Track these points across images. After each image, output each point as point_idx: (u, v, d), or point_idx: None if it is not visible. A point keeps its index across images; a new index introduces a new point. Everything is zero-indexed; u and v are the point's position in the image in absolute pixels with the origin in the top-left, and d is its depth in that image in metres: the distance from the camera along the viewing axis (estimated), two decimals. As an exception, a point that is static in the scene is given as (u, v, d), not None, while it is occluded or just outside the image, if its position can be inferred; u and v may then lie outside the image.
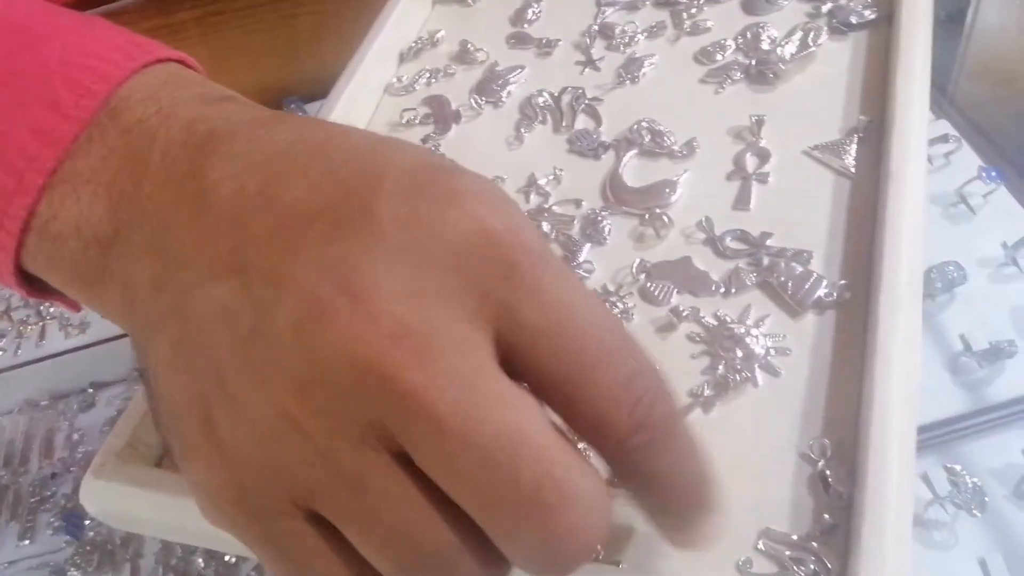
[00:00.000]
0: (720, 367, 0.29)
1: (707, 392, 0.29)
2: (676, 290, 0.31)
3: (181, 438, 0.21)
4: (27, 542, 0.49)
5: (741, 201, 0.33)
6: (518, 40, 0.42)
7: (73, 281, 0.24)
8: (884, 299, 0.28)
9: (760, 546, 0.25)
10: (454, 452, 0.18)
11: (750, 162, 0.35)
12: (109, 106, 0.23)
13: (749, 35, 0.38)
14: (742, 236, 0.32)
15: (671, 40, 0.40)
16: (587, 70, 0.40)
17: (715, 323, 0.30)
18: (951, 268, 0.47)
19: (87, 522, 0.50)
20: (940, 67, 0.59)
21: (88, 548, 0.48)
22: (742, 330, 0.30)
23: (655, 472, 0.21)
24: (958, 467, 0.41)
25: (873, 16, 0.38)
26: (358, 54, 0.40)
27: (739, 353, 0.29)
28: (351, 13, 0.48)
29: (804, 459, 0.27)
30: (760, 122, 0.35)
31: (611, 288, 0.32)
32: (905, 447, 0.26)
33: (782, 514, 0.26)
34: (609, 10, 0.42)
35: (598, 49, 0.41)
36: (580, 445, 0.21)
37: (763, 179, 0.34)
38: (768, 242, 0.32)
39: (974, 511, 0.40)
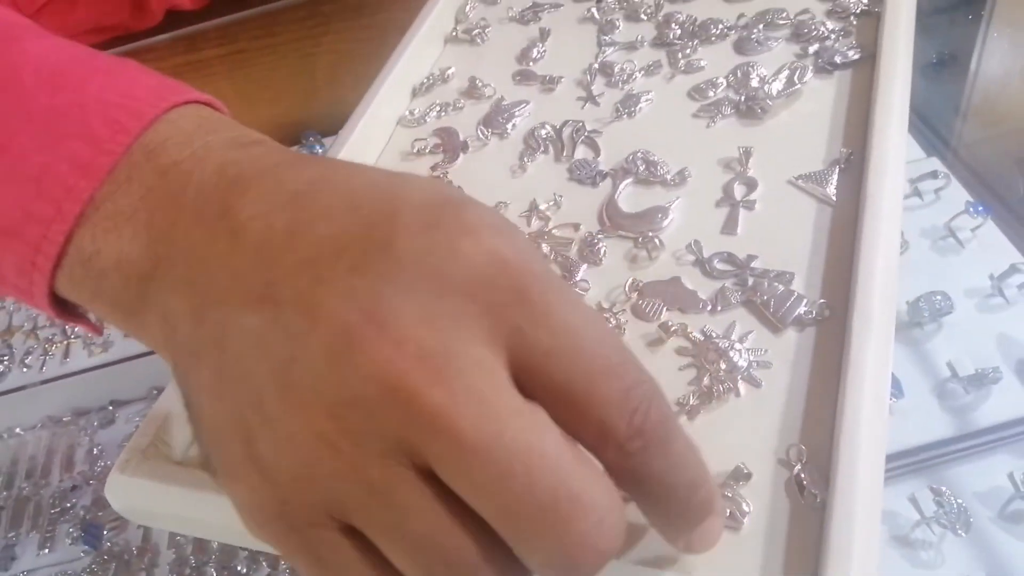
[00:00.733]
0: (705, 378, 0.31)
1: (692, 401, 0.31)
2: (666, 307, 0.33)
3: (224, 459, 0.23)
4: (47, 551, 0.51)
5: (729, 226, 0.36)
6: (523, 77, 0.45)
7: (115, 312, 0.25)
8: (859, 317, 0.30)
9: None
10: (473, 465, 0.20)
11: (738, 190, 0.37)
12: (146, 146, 0.25)
13: (740, 74, 0.41)
14: (729, 258, 0.34)
15: (667, 78, 0.43)
16: (587, 105, 0.42)
17: (702, 338, 0.32)
18: (939, 298, 0.49)
19: (105, 532, 0.51)
20: (931, 108, 0.61)
21: (105, 558, 0.50)
22: (726, 344, 0.32)
23: (653, 476, 0.22)
24: (944, 489, 0.43)
25: (857, 57, 0.40)
26: (373, 88, 0.43)
27: (723, 366, 0.31)
28: (367, 51, 0.51)
29: (782, 464, 0.29)
30: (748, 153, 0.38)
31: (605, 305, 0.34)
32: (874, 454, 0.27)
33: (760, 515, 0.28)
34: (609, 50, 0.45)
35: (598, 86, 0.43)
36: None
37: (750, 206, 0.36)
38: (753, 264, 0.34)
39: (959, 531, 0.42)
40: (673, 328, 0.33)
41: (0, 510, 0.54)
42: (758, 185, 0.37)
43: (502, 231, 0.22)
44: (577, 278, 0.35)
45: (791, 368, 0.31)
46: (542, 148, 0.41)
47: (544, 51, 0.46)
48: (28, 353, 0.59)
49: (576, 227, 0.37)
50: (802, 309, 0.32)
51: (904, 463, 0.45)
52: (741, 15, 0.44)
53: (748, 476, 0.28)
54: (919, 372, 0.48)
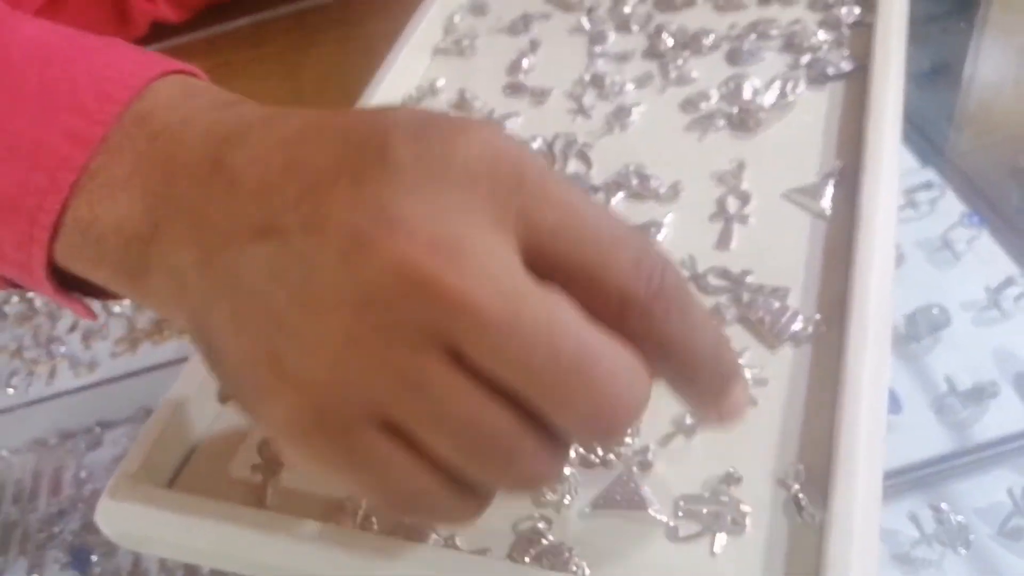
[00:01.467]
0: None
1: (688, 420, 0.30)
2: (660, 324, 0.33)
3: (253, 389, 0.23)
4: (34, 576, 0.50)
5: (723, 241, 0.35)
6: (513, 89, 0.44)
7: (117, 277, 0.25)
8: (855, 333, 0.30)
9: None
10: (498, 341, 0.21)
11: (731, 204, 0.36)
12: (136, 115, 0.25)
13: (732, 85, 0.41)
14: (723, 273, 0.34)
15: (659, 90, 0.42)
16: (578, 117, 0.42)
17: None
18: (935, 311, 0.49)
19: (93, 558, 0.50)
20: (926, 118, 0.61)
21: (93, 583, 0.49)
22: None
23: (678, 340, 0.23)
24: (944, 505, 0.42)
25: (849, 68, 0.40)
26: (362, 101, 0.42)
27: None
28: (354, 63, 0.51)
29: (780, 484, 0.28)
30: (741, 166, 0.37)
31: (598, 323, 0.33)
32: (872, 472, 0.27)
33: (758, 535, 0.27)
34: (600, 61, 0.44)
35: (589, 97, 0.43)
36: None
37: (744, 220, 0.36)
38: (747, 279, 0.33)
39: (959, 548, 0.41)
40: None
41: (-14, 535, 0.53)
42: (751, 199, 0.36)
43: (490, 126, 0.23)
44: (569, 295, 0.35)
45: (788, 385, 0.30)
46: (533, 162, 0.40)
47: (534, 62, 0.45)
48: (13, 374, 0.58)
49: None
50: (798, 325, 0.31)
51: (903, 479, 0.44)
52: (733, 25, 0.44)
53: (739, 480, 0.28)
54: (917, 387, 0.47)
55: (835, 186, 0.36)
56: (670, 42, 0.44)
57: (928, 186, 0.54)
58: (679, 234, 0.36)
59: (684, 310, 0.23)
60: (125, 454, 0.55)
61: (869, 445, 0.27)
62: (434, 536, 0.28)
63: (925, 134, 0.60)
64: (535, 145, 0.41)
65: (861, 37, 0.41)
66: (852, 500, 0.26)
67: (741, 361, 0.30)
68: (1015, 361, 0.47)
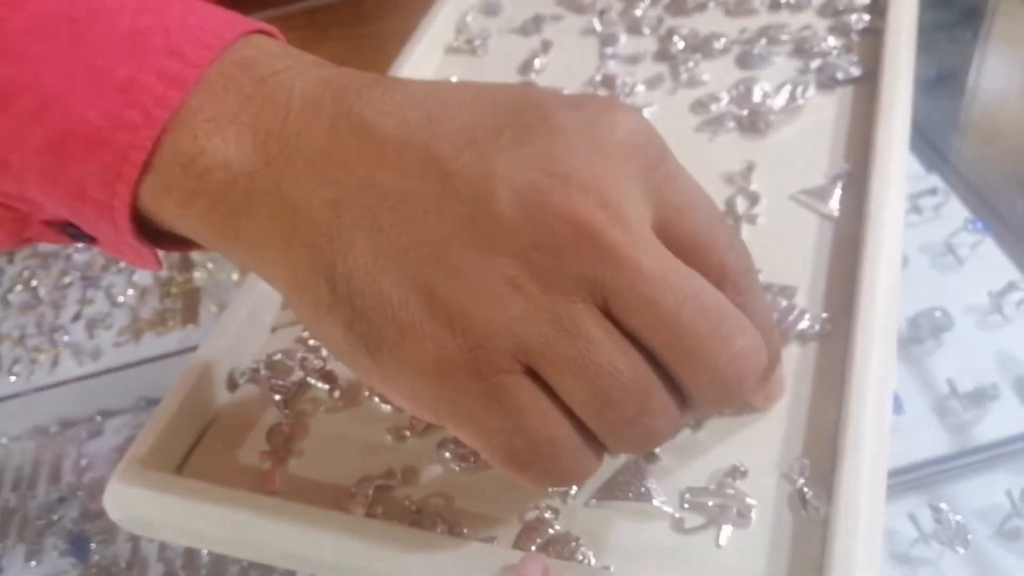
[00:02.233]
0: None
1: (695, 415, 0.30)
2: (668, 321, 0.33)
3: (395, 328, 0.23)
4: (34, 564, 0.50)
5: (731, 240, 0.35)
6: (524, 88, 0.45)
7: (212, 212, 0.25)
8: (862, 333, 0.30)
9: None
10: (653, 293, 0.22)
11: (740, 204, 0.37)
12: (236, 61, 0.25)
13: (742, 88, 0.41)
14: (731, 272, 0.34)
15: (669, 91, 0.42)
16: (589, 117, 0.42)
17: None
18: (938, 314, 0.49)
19: (92, 546, 0.51)
20: (932, 124, 0.61)
21: (93, 571, 0.49)
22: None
23: (753, 313, 0.25)
24: (943, 505, 0.42)
25: (858, 73, 0.40)
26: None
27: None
28: (366, 61, 0.51)
29: (785, 478, 0.28)
30: (750, 168, 0.38)
31: (607, 318, 0.34)
32: (876, 468, 0.27)
33: (763, 529, 0.27)
34: (611, 63, 0.45)
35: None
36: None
37: (752, 220, 0.36)
38: (756, 278, 0.34)
39: (958, 548, 0.41)
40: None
41: (-14, 521, 0.53)
42: (760, 199, 0.37)
43: (637, 110, 0.26)
44: (578, 290, 0.35)
45: (794, 382, 0.31)
46: (543, 160, 0.41)
47: (546, 63, 0.46)
48: (16, 362, 0.58)
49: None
50: (804, 324, 0.32)
51: (903, 479, 0.45)
52: (743, 30, 0.44)
53: (745, 474, 0.29)
54: (918, 388, 0.47)
55: (843, 188, 0.36)
56: (681, 45, 0.44)
57: (933, 192, 0.55)
58: (688, 232, 0.36)
59: (755, 287, 0.26)
60: (126, 443, 0.56)
61: (874, 441, 0.27)
62: (440, 525, 0.29)
63: (930, 141, 0.60)
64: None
65: (870, 43, 0.42)
66: (857, 495, 0.26)
67: None
68: (1016, 364, 0.47)
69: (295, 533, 0.28)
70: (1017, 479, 0.44)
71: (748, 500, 0.28)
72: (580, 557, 0.27)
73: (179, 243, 0.27)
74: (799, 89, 0.40)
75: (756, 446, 0.29)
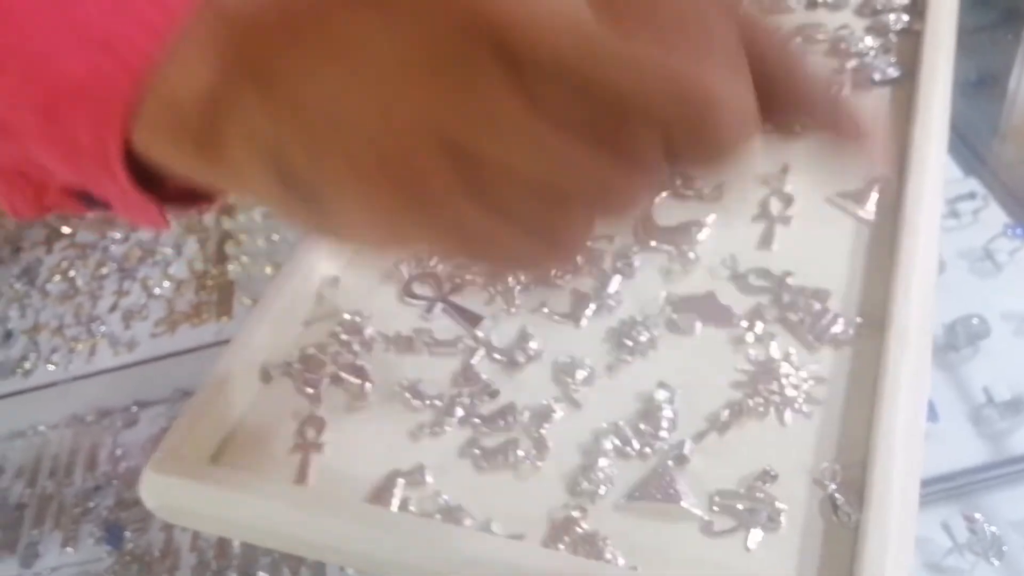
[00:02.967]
0: (741, 395, 0.31)
1: (723, 417, 0.30)
2: (700, 322, 0.33)
3: (329, 147, 0.23)
4: (70, 550, 0.51)
5: (764, 242, 0.35)
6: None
7: (197, 150, 0.25)
8: (896, 338, 0.30)
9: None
10: (561, 46, 0.21)
11: (774, 205, 0.36)
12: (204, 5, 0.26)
13: (777, 88, 0.40)
14: (764, 274, 0.34)
15: (703, 91, 0.42)
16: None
17: (743, 355, 0.32)
18: (975, 321, 0.48)
19: (127, 534, 0.52)
20: (971, 128, 0.60)
21: (127, 559, 0.50)
22: (766, 360, 0.31)
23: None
24: (978, 515, 0.42)
25: (896, 74, 0.40)
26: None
27: (767, 385, 0.31)
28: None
29: (816, 483, 0.28)
30: (785, 169, 0.37)
31: (639, 318, 0.34)
32: (909, 475, 0.27)
33: (793, 533, 0.27)
34: (645, 62, 0.44)
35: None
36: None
37: (786, 222, 0.36)
38: (788, 280, 0.33)
39: (992, 559, 0.41)
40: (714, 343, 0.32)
41: (24, 507, 0.54)
42: (795, 201, 0.36)
43: None
44: (610, 290, 0.35)
45: (827, 386, 0.30)
46: (576, 159, 0.41)
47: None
48: (54, 351, 0.59)
49: (610, 239, 0.37)
50: (838, 328, 0.32)
51: (937, 488, 0.44)
52: (779, 29, 0.44)
53: (775, 478, 0.28)
54: (954, 396, 0.47)
55: (879, 192, 0.36)
56: (716, 44, 0.44)
57: (971, 196, 0.54)
58: (721, 233, 0.36)
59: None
60: (161, 433, 0.57)
61: (907, 449, 0.27)
62: (469, 520, 0.29)
63: (969, 144, 0.59)
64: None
65: (908, 44, 0.41)
66: (888, 502, 0.26)
67: (785, 381, 0.31)
68: (1054, 375, 0.47)
69: (327, 525, 0.28)
70: (1054, 489, 0.43)
71: (778, 504, 0.28)
72: (608, 557, 0.27)
73: (190, 200, 0.29)
74: (835, 90, 0.39)
75: (787, 451, 0.29)
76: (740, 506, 0.28)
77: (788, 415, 0.30)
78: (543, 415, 0.31)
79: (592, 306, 0.35)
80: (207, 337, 0.57)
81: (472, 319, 0.35)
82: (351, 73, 0.23)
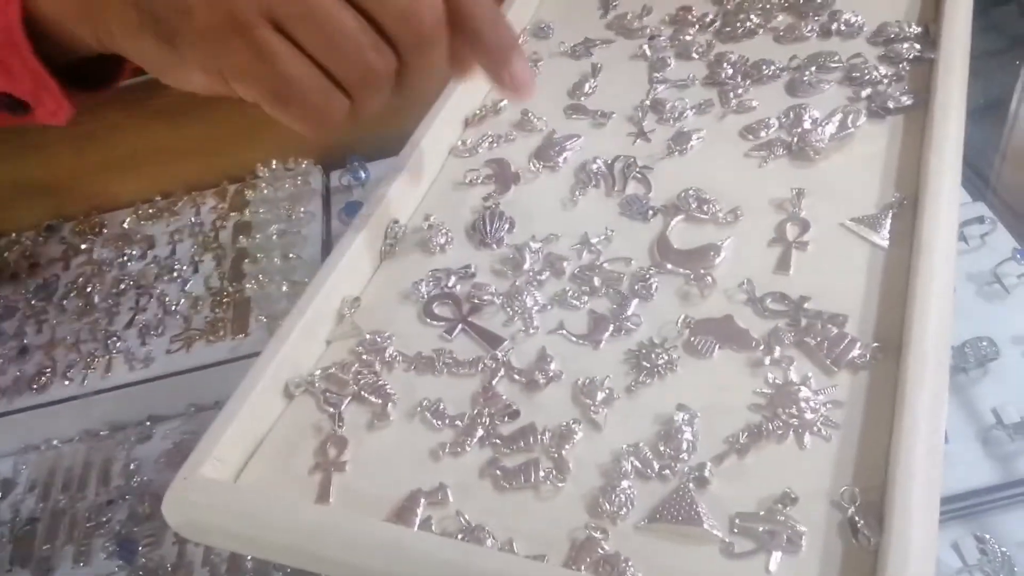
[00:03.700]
0: (760, 418, 0.31)
1: (742, 439, 0.30)
2: (719, 345, 0.34)
3: (181, 14, 0.32)
4: (82, 565, 0.51)
5: (781, 266, 0.36)
6: (574, 110, 0.45)
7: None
8: (913, 361, 0.30)
9: (791, 585, 0.27)
10: None
11: (790, 231, 0.37)
12: None
13: (792, 115, 0.41)
14: (781, 298, 0.34)
15: (718, 117, 0.43)
16: (638, 141, 0.43)
17: (761, 378, 0.32)
18: (984, 344, 0.49)
19: (140, 548, 0.52)
20: (978, 151, 0.61)
21: (140, 573, 0.50)
22: (785, 384, 0.32)
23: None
24: (988, 536, 0.42)
25: (910, 102, 0.40)
26: (427, 118, 0.44)
27: (785, 409, 0.31)
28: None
29: (835, 506, 0.28)
30: (801, 194, 0.38)
31: (657, 340, 0.34)
32: (928, 498, 0.27)
33: (812, 557, 0.27)
34: (660, 87, 0.45)
35: (649, 122, 0.44)
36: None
37: (802, 247, 0.36)
38: (806, 305, 0.34)
39: (1004, 581, 0.41)
40: (730, 369, 0.33)
41: (37, 521, 0.54)
42: (811, 226, 0.37)
43: None
44: (629, 312, 0.35)
45: (846, 411, 0.31)
46: (593, 182, 0.41)
47: (596, 86, 0.46)
48: (70, 367, 0.60)
49: (627, 262, 0.38)
50: (856, 352, 0.32)
51: (948, 509, 0.44)
52: (793, 57, 0.45)
53: (795, 501, 0.29)
54: (964, 418, 0.47)
55: (894, 218, 0.36)
56: (730, 70, 0.45)
57: (980, 220, 0.55)
58: (738, 258, 0.37)
59: None
60: (174, 448, 0.57)
61: (926, 471, 0.28)
62: (490, 540, 0.29)
63: (977, 169, 0.60)
64: (594, 166, 0.42)
65: (921, 72, 0.42)
66: (908, 525, 0.26)
67: (805, 405, 0.31)
68: (1064, 398, 0.47)
69: (349, 545, 0.29)
70: (1064, 513, 0.44)
71: (798, 527, 0.28)
72: (630, 577, 0.28)
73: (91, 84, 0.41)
74: (850, 117, 0.40)
75: (806, 473, 0.29)
76: (761, 528, 0.28)
77: (807, 438, 0.30)
78: (564, 436, 0.32)
79: (611, 327, 0.35)
80: (223, 354, 0.58)
81: (492, 340, 0.36)
82: None
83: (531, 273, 0.38)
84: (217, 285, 0.61)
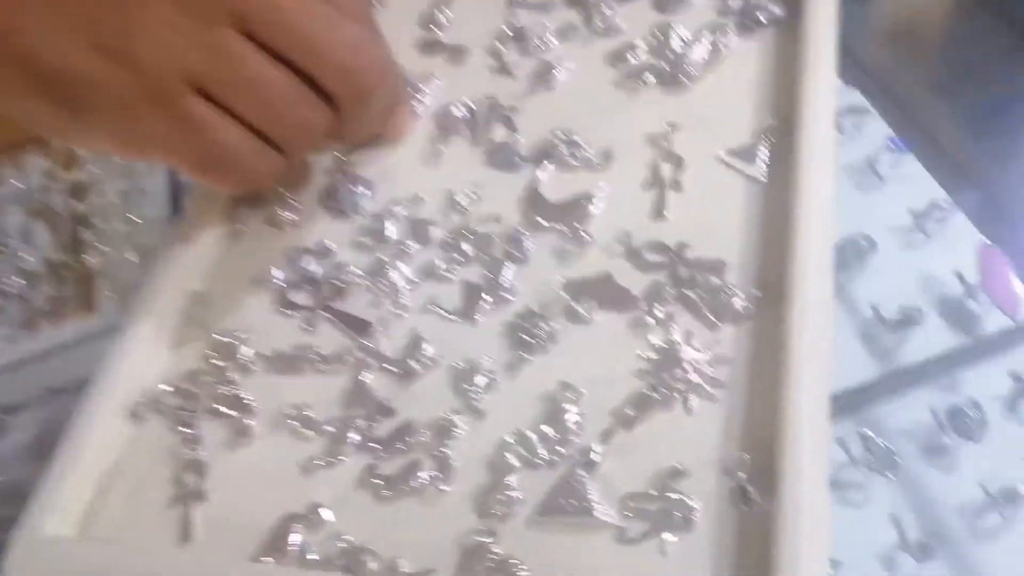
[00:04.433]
0: (645, 385, 0.29)
1: (630, 411, 0.29)
2: (601, 308, 0.32)
3: (85, 82, 0.29)
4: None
5: (657, 211, 0.34)
6: (428, 47, 0.41)
7: None
8: (797, 312, 0.29)
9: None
10: (280, 15, 0.29)
11: (665, 170, 0.35)
12: None
13: (660, 35, 0.38)
14: (660, 248, 0.32)
15: (584, 42, 0.39)
16: (501, 77, 0.39)
17: (644, 341, 0.30)
18: (861, 240, 0.49)
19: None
20: (850, 33, 0.60)
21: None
22: (669, 345, 0.30)
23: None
24: (870, 433, 0.43)
25: (781, 13, 0.38)
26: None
27: (671, 373, 0.30)
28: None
29: (727, 473, 0.27)
30: (674, 127, 0.35)
31: (537, 309, 0.32)
32: (818, 455, 0.26)
33: (707, 531, 0.27)
34: (520, 11, 0.41)
35: (511, 54, 0.40)
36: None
37: (678, 187, 0.34)
38: (685, 253, 0.32)
39: (887, 474, 0.42)
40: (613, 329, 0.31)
41: None
42: (685, 163, 0.34)
43: None
44: (503, 280, 0.33)
45: (731, 368, 0.30)
46: (456, 130, 0.38)
47: (449, 16, 0.42)
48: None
49: (498, 220, 0.35)
50: (738, 303, 0.31)
51: (832, 406, 0.45)
52: None
53: (685, 474, 0.28)
54: (844, 314, 0.48)
55: (771, 147, 0.34)
56: (592, -14, 0.41)
57: (853, 110, 0.54)
58: (613, 205, 0.34)
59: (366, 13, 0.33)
60: (35, 440, 0.52)
61: (814, 431, 0.27)
62: (375, 562, 0.27)
63: (851, 52, 0.58)
64: (456, 112, 0.38)
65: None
66: (799, 487, 0.26)
67: (689, 366, 0.30)
68: (939, 284, 0.48)
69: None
70: (942, 396, 0.45)
71: (690, 503, 0.27)
72: (524, 582, 0.26)
73: None
74: (718, 34, 0.37)
75: (696, 440, 0.28)
76: (652, 508, 0.27)
77: (694, 402, 0.29)
78: (444, 431, 0.30)
79: (487, 298, 0.33)
80: (72, 334, 0.53)
81: (358, 326, 0.33)
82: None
83: (395, 244, 0.35)
84: (56, 258, 0.55)
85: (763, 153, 0.34)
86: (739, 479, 0.27)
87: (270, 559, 0.27)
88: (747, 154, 0.34)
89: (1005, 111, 0.56)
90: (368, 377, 0.31)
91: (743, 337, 0.30)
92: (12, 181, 0.60)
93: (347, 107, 0.31)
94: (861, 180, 0.53)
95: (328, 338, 0.33)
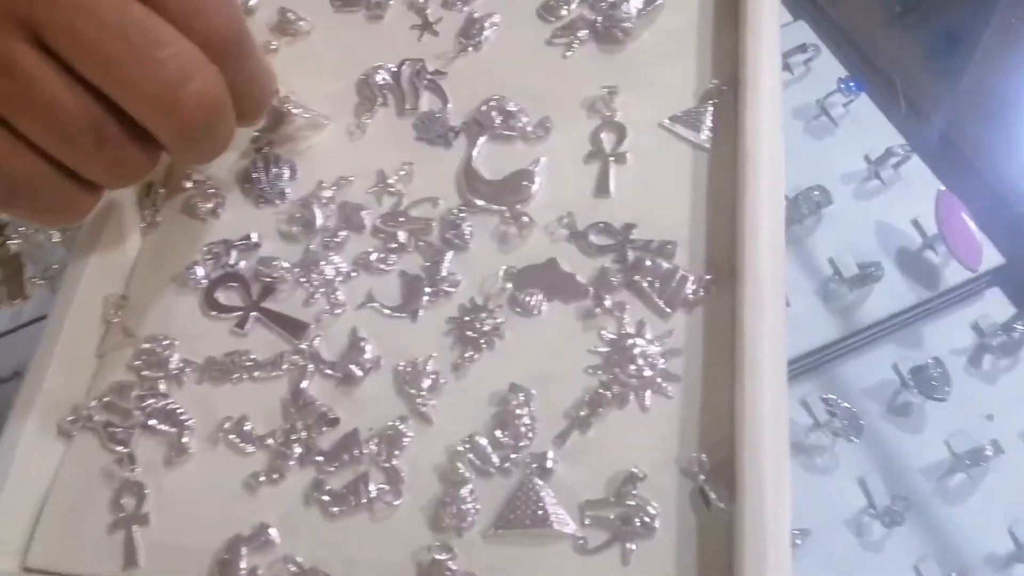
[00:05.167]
0: (597, 381, 0.28)
1: (583, 412, 0.28)
2: (546, 299, 0.30)
3: None
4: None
5: (601, 187, 0.32)
6: (343, 2, 0.38)
7: None
8: (749, 295, 0.28)
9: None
10: (70, 20, 0.23)
11: (607, 140, 0.33)
12: None
13: (594, -15, 0.35)
14: (606, 229, 0.31)
15: (510, -8, 0.36)
16: (424, 35, 0.36)
17: (594, 332, 0.29)
18: (816, 193, 0.48)
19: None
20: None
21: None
22: (619, 337, 0.29)
23: None
24: (833, 397, 0.43)
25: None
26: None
27: (623, 368, 0.28)
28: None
29: (685, 474, 0.27)
30: (614, 92, 0.33)
31: (479, 301, 0.30)
32: (778, 447, 0.26)
33: (668, 536, 0.26)
34: (441, -41, 0.38)
35: (434, 8, 0.37)
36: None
37: (621, 159, 0.32)
38: (632, 234, 0.31)
39: (852, 438, 0.42)
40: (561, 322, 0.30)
41: None
42: (627, 132, 0.33)
43: None
44: (444, 270, 0.31)
45: (685, 359, 0.29)
46: (380, 99, 0.35)
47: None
48: None
49: (434, 203, 0.33)
50: (689, 289, 0.29)
51: (794, 367, 0.45)
52: None
53: (643, 478, 0.27)
54: (801, 272, 0.47)
55: (715, 108, 0.32)
56: (520, -72, 0.37)
57: (803, 48, 0.52)
58: (554, 182, 0.32)
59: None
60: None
61: (773, 425, 0.26)
62: (328, 584, 0.26)
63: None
64: (378, 78, 0.35)
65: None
66: (761, 489, 0.25)
67: (641, 360, 0.29)
68: (897, 235, 0.47)
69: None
70: (903, 351, 0.45)
71: (650, 508, 0.26)
72: (482, 599, 0.26)
73: None
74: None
75: (653, 439, 0.28)
76: (611, 515, 0.27)
77: (648, 398, 0.28)
78: (392, 441, 0.28)
79: (427, 291, 0.31)
80: (3, 323, 0.50)
81: (294, 328, 0.31)
82: None
83: (325, 233, 0.32)
84: (-25, 243, 0.52)
85: (708, 117, 0.32)
86: (698, 481, 0.27)
87: (220, 587, 0.26)
88: (692, 120, 0.32)
89: (958, 42, 0.54)
90: (307, 384, 0.30)
91: (695, 324, 0.29)
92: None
93: (168, 145, 0.26)
94: (813, 124, 0.52)
95: (262, 342, 0.31)
